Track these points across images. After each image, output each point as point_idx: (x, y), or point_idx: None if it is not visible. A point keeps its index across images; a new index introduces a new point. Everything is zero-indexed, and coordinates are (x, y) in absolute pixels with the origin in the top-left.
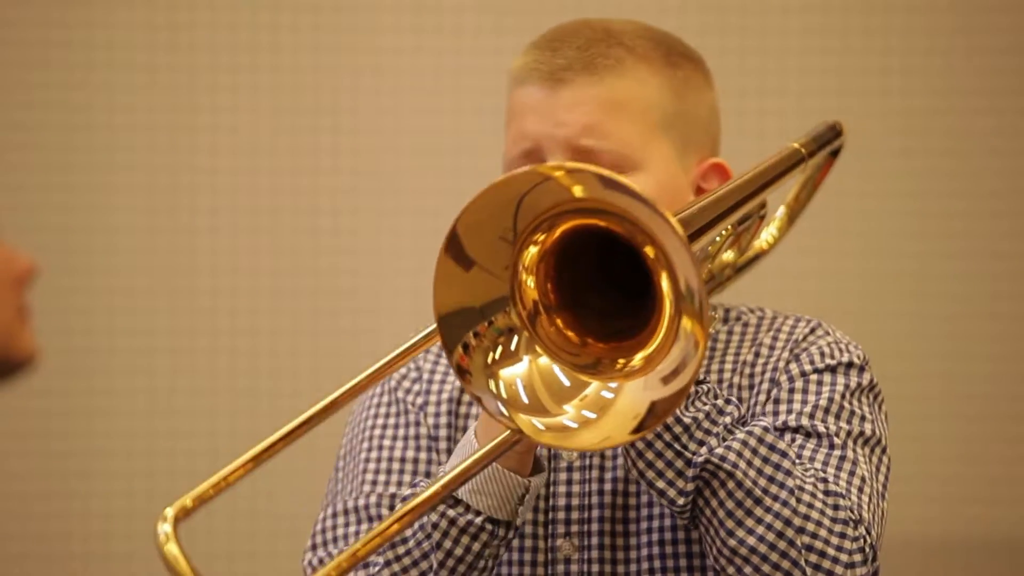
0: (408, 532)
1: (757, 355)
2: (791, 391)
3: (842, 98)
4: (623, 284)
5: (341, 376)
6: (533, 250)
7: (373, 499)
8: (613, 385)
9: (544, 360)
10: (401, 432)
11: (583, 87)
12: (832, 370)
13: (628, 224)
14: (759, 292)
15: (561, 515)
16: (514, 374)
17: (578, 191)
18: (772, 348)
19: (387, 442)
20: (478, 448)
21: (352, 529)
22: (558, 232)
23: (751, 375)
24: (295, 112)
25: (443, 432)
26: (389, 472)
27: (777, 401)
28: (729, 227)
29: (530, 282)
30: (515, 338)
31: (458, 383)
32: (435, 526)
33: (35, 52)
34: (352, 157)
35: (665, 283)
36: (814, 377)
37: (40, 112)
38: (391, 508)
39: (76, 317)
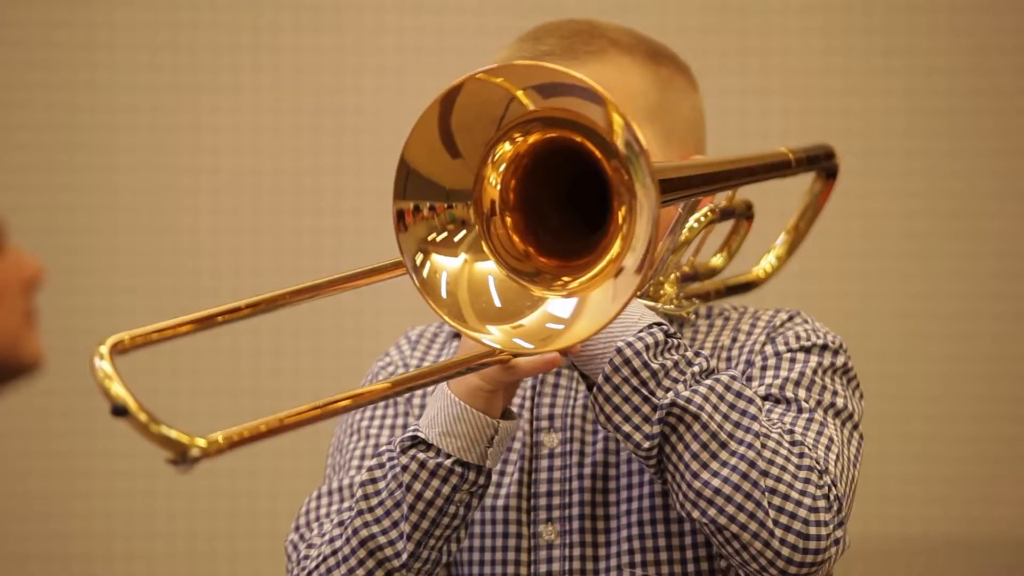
0: (381, 484)
1: (734, 340)
2: (763, 368)
3: (844, 98)
4: (588, 216)
5: (343, 377)
6: (507, 147)
7: (358, 479)
8: (567, 310)
9: (482, 267)
10: (388, 422)
11: None
12: (806, 350)
13: (591, 134)
14: (761, 292)
15: (543, 501)
16: (443, 265)
17: (535, 101)
18: (749, 334)
19: (374, 431)
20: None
21: (335, 508)
22: (534, 137)
23: (728, 358)
24: (297, 112)
25: None
26: (376, 457)
27: (749, 378)
28: (708, 213)
29: (493, 179)
30: (463, 232)
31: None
32: (405, 468)
33: (37, 53)
34: (354, 157)
35: (623, 200)
36: (787, 355)
37: (42, 112)
38: None
39: (78, 317)
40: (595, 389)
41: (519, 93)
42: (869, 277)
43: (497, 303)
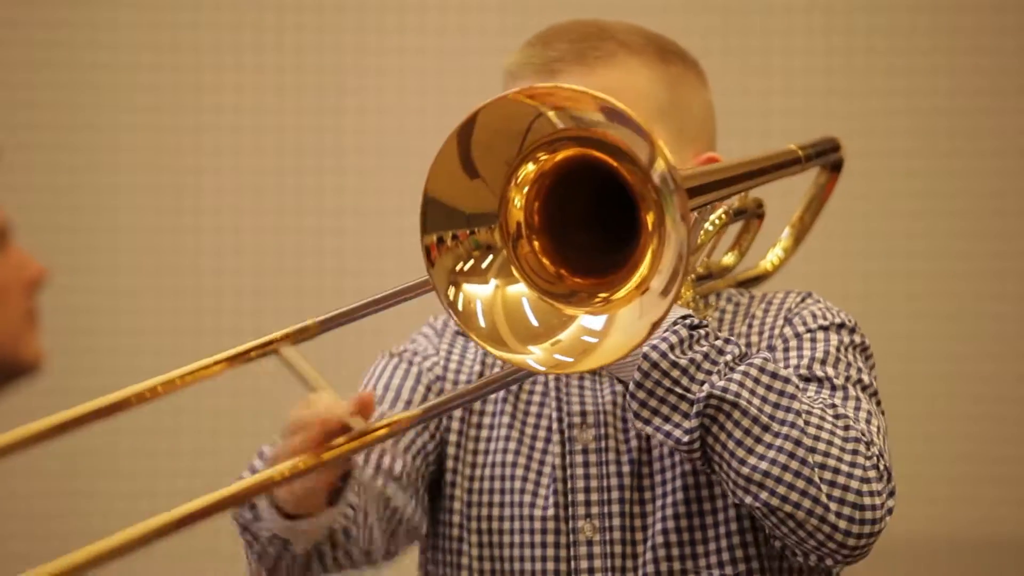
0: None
1: (750, 326)
2: (786, 350)
3: (846, 98)
4: (614, 230)
5: (345, 372)
6: (531, 167)
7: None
8: (598, 325)
9: (514, 289)
10: (400, 373)
11: (575, 77)
12: (824, 329)
13: (617, 152)
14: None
15: (580, 497)
16: (476, 294)
17: (561, 119)
18: (764, 318)
19: (395, 381)
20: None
21: None
22: (559, 156)
23: (748, 344)
24: (299, 112)
25: (457, 413)
26: (392, 406)
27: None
28: (723, 215)
29: (518, 201)
30: (490, 257)
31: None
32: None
33: (39, 53)
34: (356, 157)
35: (651, 210)
36: (807, 335)
37: (44, 112)
38: None
39: (80, 317)
40: (629, 396)
41: (549, 113)
42: (870, 277)
43: (534, 322)
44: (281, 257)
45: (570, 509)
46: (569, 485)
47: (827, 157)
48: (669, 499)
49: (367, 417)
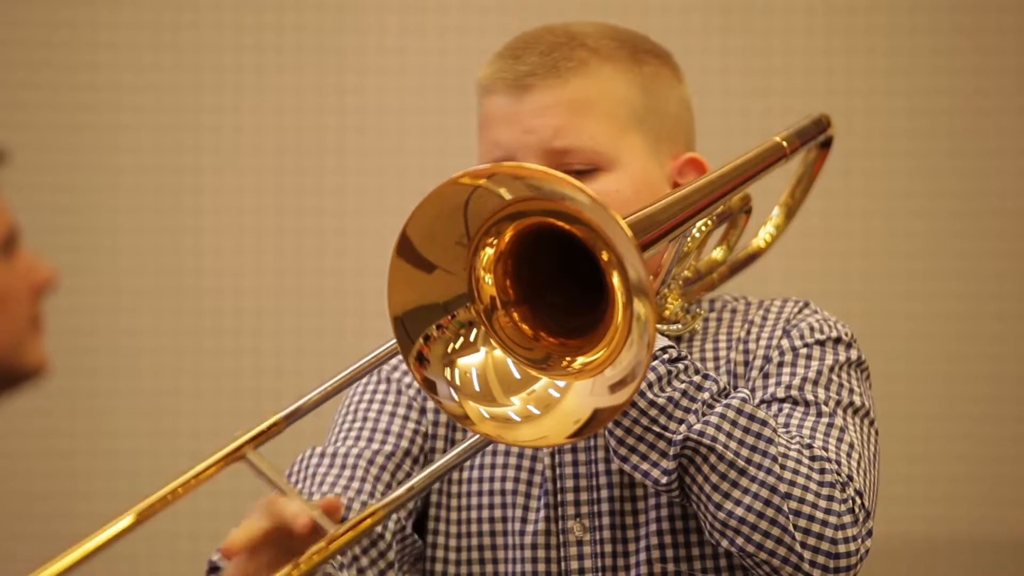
0: None
1: (748, 332)
2: (780, 364)
3: (846, 98)
4: (584, 283)
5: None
6: (489, 252)
7: (355, 450)
8: (561, 384)
9: (499, 352)
10: (388, 408)
11: (548, 91)
12: (821, 344)
13: (576, 222)
14: (762, 293)
15: (570, 496)
16: (470, 363)
17: (506, 193)
18: (763, 326)
19: (372, 415)
20: None
21: (322, 470)
22: (508, 234)
23: (745, 351)
24: (299, 112)
25: (443, 417)
26: (371, 440)
27: (767, 375)
28: (708, 222)
29: (488, 279)
30: (474, 331)
31: None
32: None
33: (40, 53)
34: (356, 157)
35: (616, 280)
36: (803, 351)
37: (44, 112)
38: (369, 462)
39: (80, 317)
40: (608, 432)
41: (486, 186)
42: (870, 277)
43: (517, 375)
44: (281, 257)
45: (560, 509)
46: (559, 485)
47: (815, 140)
48: (664, 499)
49: (336, 520)
